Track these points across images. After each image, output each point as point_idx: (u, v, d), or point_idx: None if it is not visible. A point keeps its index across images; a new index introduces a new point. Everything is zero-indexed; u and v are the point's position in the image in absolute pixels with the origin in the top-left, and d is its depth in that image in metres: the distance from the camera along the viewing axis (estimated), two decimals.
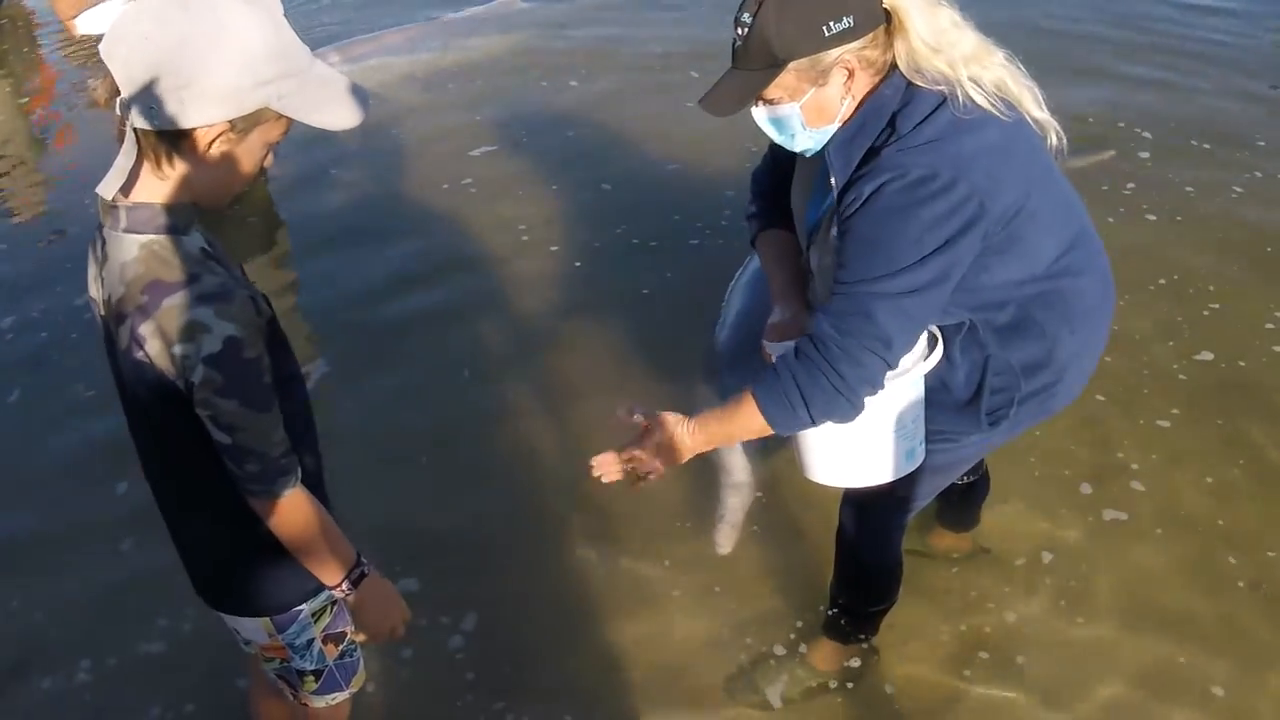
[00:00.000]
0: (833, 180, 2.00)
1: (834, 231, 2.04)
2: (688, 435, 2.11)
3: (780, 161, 2.39)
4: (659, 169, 5.25)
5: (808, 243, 2.24)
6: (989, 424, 2.22)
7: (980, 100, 1.93)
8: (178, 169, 1.57)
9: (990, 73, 1.98)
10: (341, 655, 2.08)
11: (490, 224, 4.94)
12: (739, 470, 3.35)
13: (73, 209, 5.32)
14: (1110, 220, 4.65)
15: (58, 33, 7.44)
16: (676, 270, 4.53)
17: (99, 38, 1.62)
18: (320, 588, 1.92)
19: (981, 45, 1.99)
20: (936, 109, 1.92)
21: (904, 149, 1.91)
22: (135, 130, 1.53)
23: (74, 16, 4.85)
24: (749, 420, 2.04)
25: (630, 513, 3.35)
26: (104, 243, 1.63)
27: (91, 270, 1.71)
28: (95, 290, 1.71)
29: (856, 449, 2.17)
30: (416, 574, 3.19)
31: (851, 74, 1.95)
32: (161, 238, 1.59)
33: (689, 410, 2.16)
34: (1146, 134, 5.43)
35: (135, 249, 1.58)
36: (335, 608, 2.02)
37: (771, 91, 1.97)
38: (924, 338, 2.11)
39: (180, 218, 1.61)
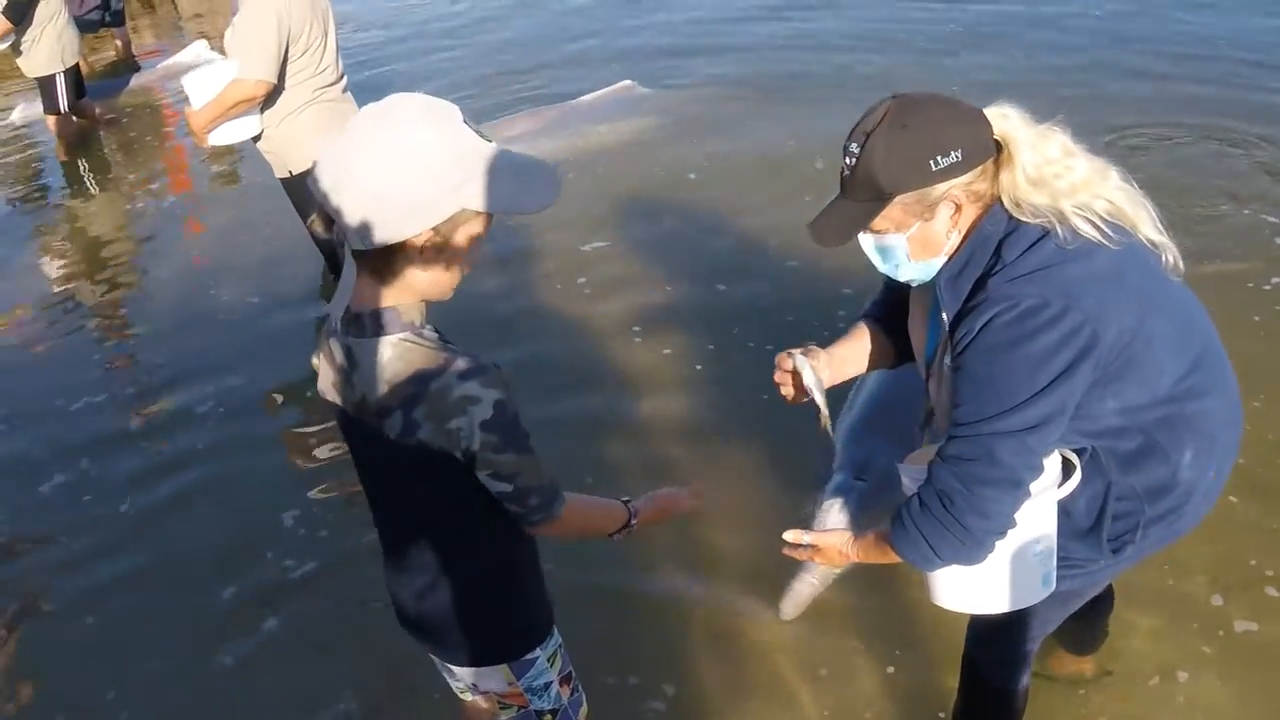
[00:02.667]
0: (944, 315, 1.98)
1: (947, 361, 2.02)
2: (847, 547, 2.20)
3: (890, 289, 2.38)
4: (777, 267, 5.22)
5: (926, 373, 2.20)
6: (1112, 550, 2.16)
7: (1087, 230, 1.89)
8: (399, 276, 1.77)
9: (1102, 198, 1.94)
10: (572, 692, 2.26)
11: (603, 325, 4.96)
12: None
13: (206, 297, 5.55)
14: (1257, 318, 4.49)
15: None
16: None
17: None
18: (551, 630, 2.15)
19: (1093, 170, 1.95)
20: (1041, 239, 1.89)
21: (1011, 278, 1.88)
22: (354, 251, 1.73)
23: (209, 130, 4.99)
24: (890, 556, 2.10)
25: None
26: (347, 351, 1.84)
27: (329, 378, 1.92)
28: (336, 394, 1.92)
29: (988, 577, 2.11)
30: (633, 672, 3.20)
31: (959, 208, 1.93)
32: (408, 334, 1.79)
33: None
34: None
35: (388, 349, 1.79)
36: (562, 649, 2.19)
37: (878, 223, 1.95)
38: (1056, 459, 2.05)
39: (416, 314, 1.82)
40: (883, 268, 2.06)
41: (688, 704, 3.08)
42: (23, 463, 4.59)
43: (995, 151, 1.91)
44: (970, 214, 1.95)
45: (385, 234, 1.70)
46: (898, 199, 1.90)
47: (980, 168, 1.90)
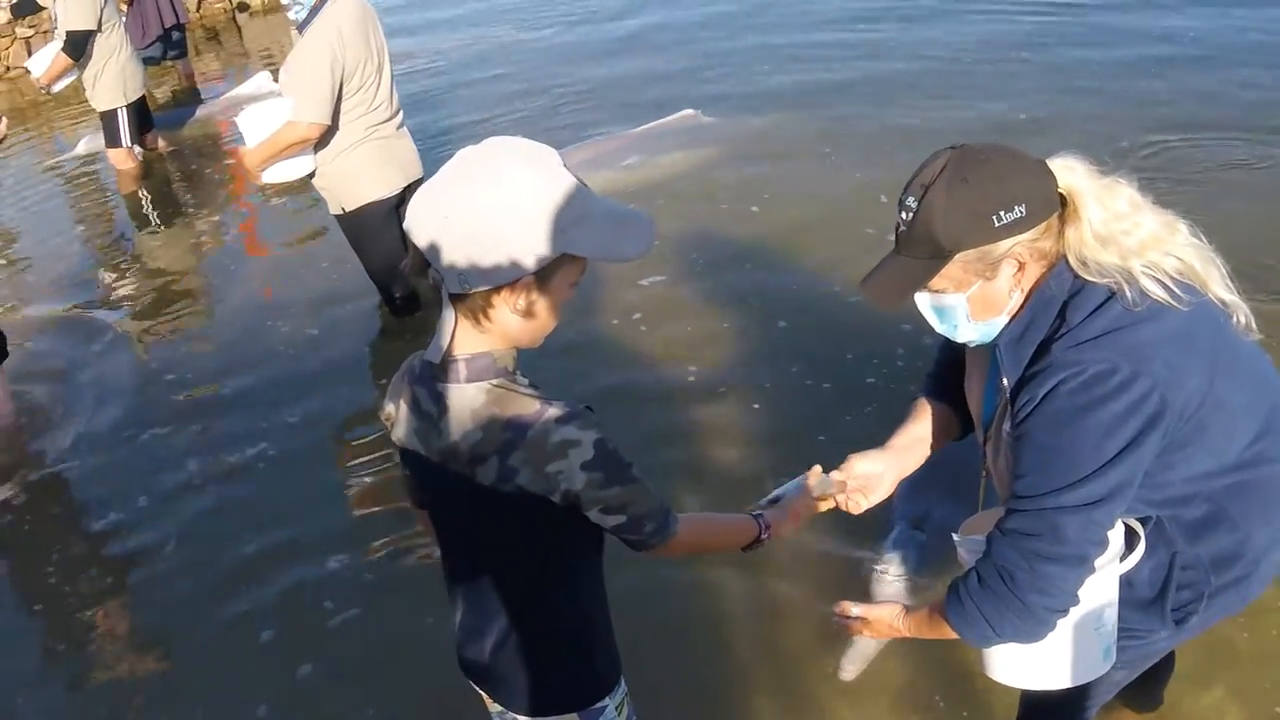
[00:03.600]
0: (1004, 380, 1.90)
1: (1006, 427, 1.93)
2: (897, 621, 2.15)
3: (948, 350, 2.31)
4: (837, 303, 5.12)
5: (984, 437, 2.11)
6: (1175, 621, 2.06)
7: (1156, 291, 1.81)
8: (495, 322, 1.75)
9: (1172, 255, 1.85)
10: None
11: (656, 360, 4.90)
12: (884, 592, 3.27)
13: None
14: None
15: None
16: (854, 413, 4.36)
17: None
18: (619, 679, 2.09)
19: (1162, 225, 1.88)
20: (1107, 300, 1.81)
21: (1077, 343, 1.80)
22: (451, 295, 1.73)
23: (262, 169, 5.05)
24: (946, 631, 2.02)
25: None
26: (437, 396, 1.82)
27: (410, 424, 1.90)
28: (419, 441, 1.90)
29: (1047, 652, 2.01)
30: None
31: (1022, 266, 1.85)
32: (502, 380, 1.79)
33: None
34: None
35: (482, 395, 1.78)
36: (628, 700, 2.14)
37: (935, 281, 1.87)
38: (1120, 528, 1.95)
39: (509, 361, 1.81)
40: (940, 328, 1.98)
41: None
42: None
43: (1060, 206, 1.84)
44: (1034, 272, 1.87)
45: (485, 279, 1.69)
46: (958, 257, 1.82)
47: (1044, 224, 1.82)
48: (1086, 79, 7.71)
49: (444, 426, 1.83)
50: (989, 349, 1.98)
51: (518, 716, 2.10)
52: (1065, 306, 1.83)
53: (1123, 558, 1.95)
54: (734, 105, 8.04)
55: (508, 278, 1.69)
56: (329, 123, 4.87)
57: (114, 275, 6.88)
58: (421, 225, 1.70)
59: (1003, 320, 1.91)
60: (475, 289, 1.70)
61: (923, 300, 1.94)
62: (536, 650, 2.02)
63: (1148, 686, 2.79)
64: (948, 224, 1.79)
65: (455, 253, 1.67)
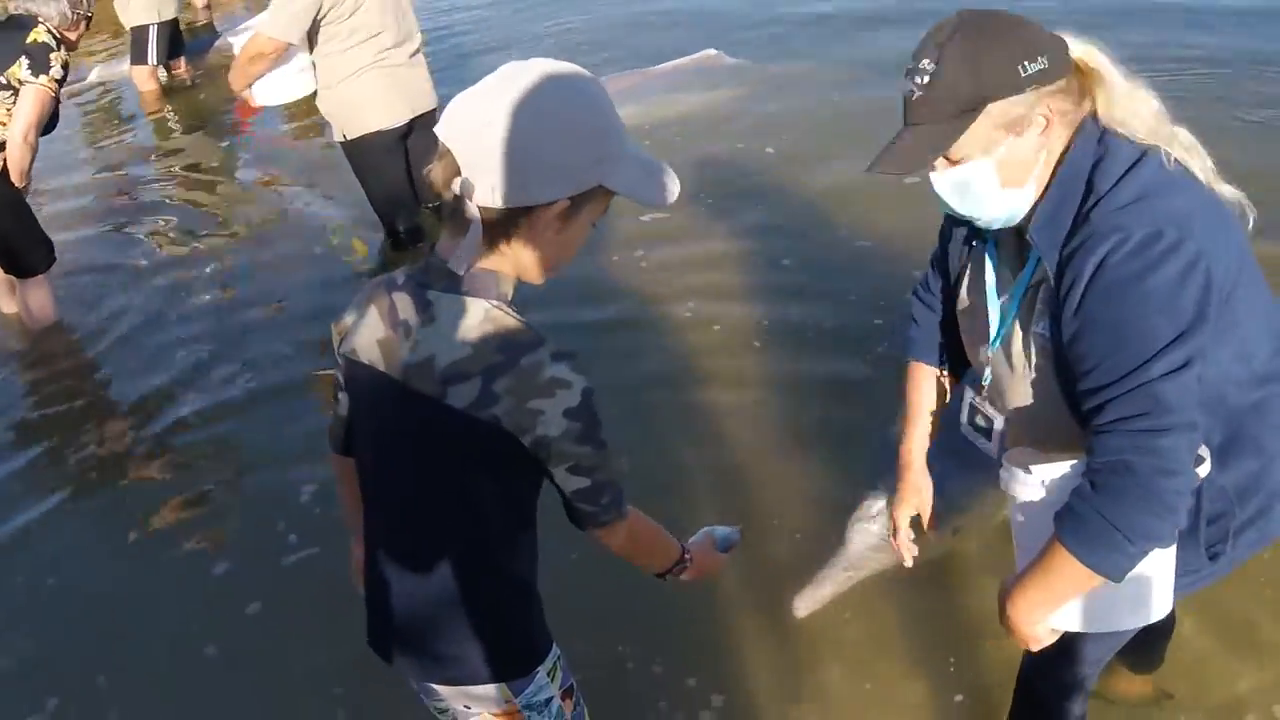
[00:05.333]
0: (1046, 266, 1.79)
1: (1040, 328, 1.85)
2: (1019, 607, 1.90)
3: (939, 266, 2.22)
4: (846, 246, 5.02)
5: (986, 356, 2.02)
6: (1209, 558, 1.95)
7: (1184, 157, 1.76)
8: (514, 245, 1.68)
9: (1179, 139, 1.80)
10: (575, 705, 2.10)
11: (653, 294, 4.81)
12: (854, 551, 3.12)
13: None
14: None
15: None
16: (854, 355, 4.27)
17: None
18: (550, 644, 1.97)
19: (1163, 112, 1.81)
20: (1137, 162, 1.73)
21: (1115, 208, 1.70)
22: (480, 209, 1.62)
23: (246, 88, 5.03)
24: (1072, 574, 1.78)
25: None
26: (424, 303, 1.71)
27: (376, 332, 1.78)
28: (379, 354, 1.77)
29: (1137, 579, 1.85)
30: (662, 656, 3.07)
31: (1049, 124, 1.76)
32: (503, 305, 1.70)
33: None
34: None
35: (479, 311, 1.68)
36: (561, 662, 2.03)
37: (960, 148, 1.76)
38: None
39: (509, 288, 1.73)
40: (962, 209, 1.86)
41: (735, 711, 2.92)
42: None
43: (1073, 68, 1.76)
44: (1059, 136, 1.78)
45: (522, 194, 1.62)
46: (989, 108, 1.71)
47: (1065, 80, 1.74)
48: None
49: (424, 336, 1.71)
50: (1009, 246, 1.92)
51: (438, 688, 1.99)
52: (1092, 174, 1.74)
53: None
54: (762, 46, 7.90)
55: (545, 197, 1.63)
56: (293, 40, 4.80)
57: (130, 199, 6.86)
58: (459, 130, 1.63)
59: (1029, 192, 1.81)
60: (508, 205, 1.63)
61: (942, 181, 1.83)
62: (469, 615, 1.90)
63: (1146, 645, 2.68)
64: (976, 74, 1.69)
65: (494, 164, 1.60)
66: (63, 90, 4.83)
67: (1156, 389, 1.66)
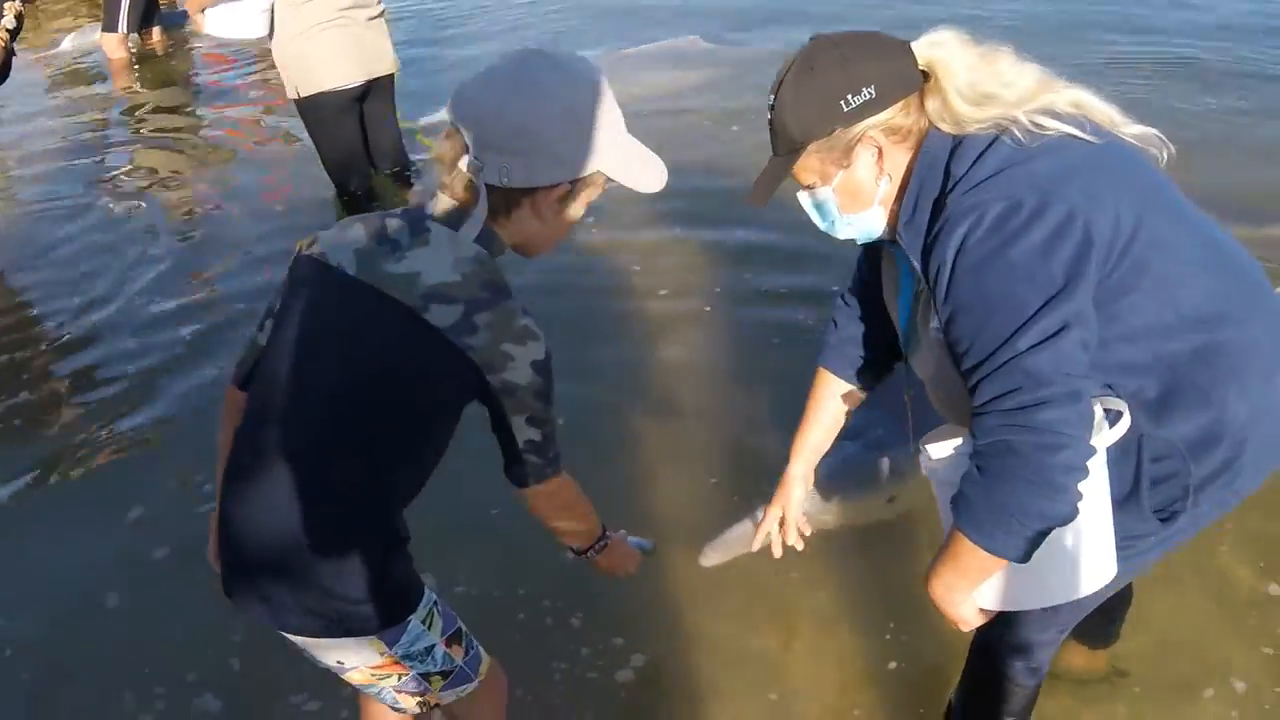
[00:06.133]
0: (913, 263, 1.76)
1: (934, 325, 1.79)
2: (938, 590, 1.82)
3: (866, 264, 2.17)
4: (795, 219, 4.76)
5: (907, 354, 2.01)
6: (1161, 520, 1.83)
7: (1051, 124, 1.70)
8: (514, 221, 1.81)
9: (1064, 97, 1.75)
10: (466, 650, 2.05)
11: (602, 260, 4.73)
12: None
13: None
14: None
15: None
16: (809, 309, 4.23)
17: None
18: (422, 591, 1.93)
19: (1046, 79, 1.77)
20: (993, 142, 1.69)
21: (969, 189, 1.66)
22: (486, 185, 1.74)
23: (201, 10, 4.97)
24: (975, 557, 1.71)
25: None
26: (419, 230, 1.78)
27: (355, 244, 1.81)
28: (350, 258, 1.80)
29: (1058, 556, 1.77)
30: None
31: (880, 151, 1.77)
32: (492, 260, 1.79)
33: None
34: None
35: (473, 251, 1.77)
36: (439, 607, 1.98)
37: (804, 176, 1.84)
38: (1096, 408, 1.72)
39: (501, 255, 1.83)
40: (822, 226, 1.92)
41: (660, 672, 2.80)
42: None
43: (921, 83, 1.75)
44: (898, 155, 1.78)
45: (526, 176, 1.74)
46: (811, 148, 1.77)
47: (901, 103, 1.74)
48: None
49: (414, 255, 1.77)
50: (894, 254, 1.90)
51: (307, 640, 1.90)
52: (949, 163, 1.71)
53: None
54: (743, 34, 7.92)
55: (549, 180, 1.75)
56: None
57: (100, 165, 6.73)
58: (470, 112, 1.73)
59: (877, 213, 1.83)
60: (514, 185, 1.74)
61: (803, 200, 1.89)
62: (339, 558, 1.82)
63: (1102, 620, 2.54)
64: (797, 115, 1.75)
65: (503, 147, 1.71)
66: (15, 44, 4.74)
67: (1026, 362, 1.59)
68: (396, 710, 2.15)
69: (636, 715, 2.70)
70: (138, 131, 7.21)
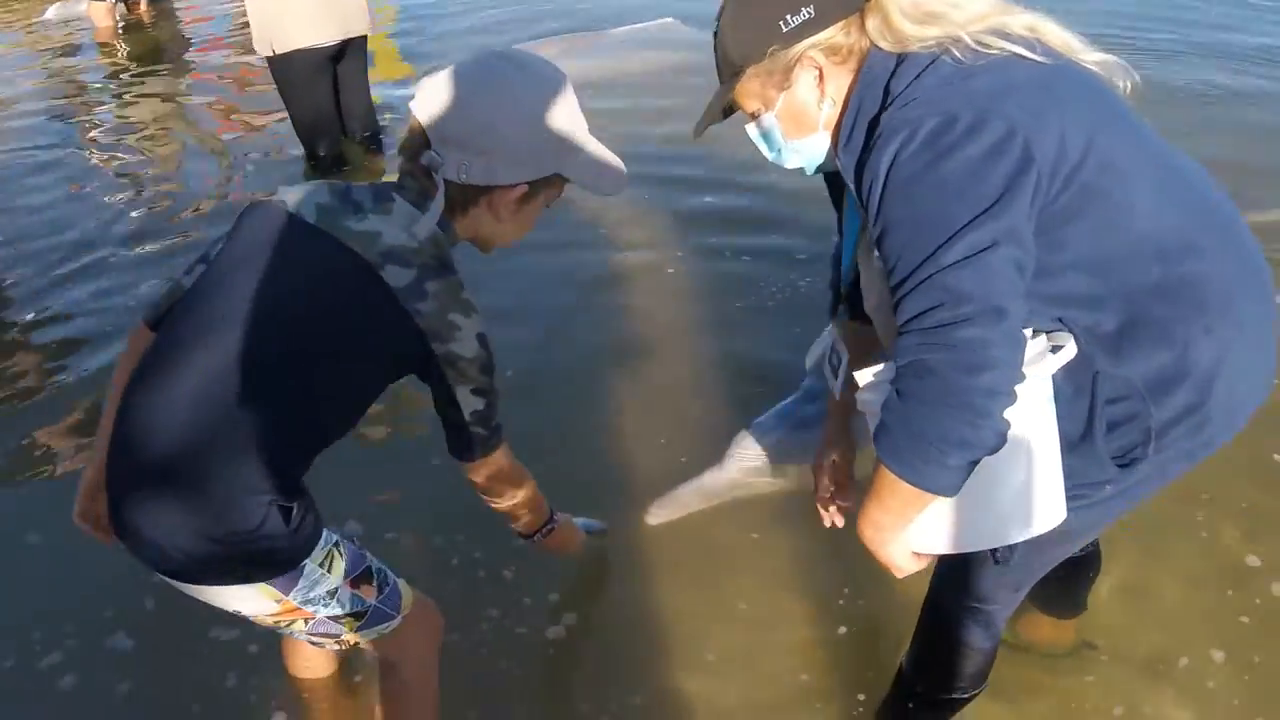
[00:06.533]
0: (849, 184, 1.67)
1: (876, 256, 1.64)
2: (865, 530, 1.71)
3: (837, 212, 2.10)
4: (770, 186, 4.82)
5: (846, 291, 2.00)
6: (1120, 466, 1.70)
7: (998, 43, 1.58)
8: (470, 217, 1.84)
9: (1019, 20, 1.64)
10: (380, 589, 1.96)
11: (566, 232, 4.56)
12: (726, 471, 2.98)
13: None
14: None
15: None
16: (777, 284, 4.14)
17: None
18: (319, 534, 1.84)
19: (1002, 2, 1.67)
20: (934, 61, 1.59)
21: (905, 105, 1.57)
22: (445, 181, 1.78)
23: None
24: (900, 492, 1.59)
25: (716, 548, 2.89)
26: (383, 198, 1.80)
27: (317, 198, 1.81)
28: (310, 210, 1.80)
29: (993, 494, 1.65)
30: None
31: (821, 72, 1.69)
32: (446, 240, 1.83)
33: None
34: None
35: (431, 226, 1.79)
36: (341, 547, 1.89)
37: (748, 103, 1.78)
38: (1041, 340, 1.63)
39: (455, 245, 1.87)
40: (770, 156, 1.85)
41: (593, 630, 2.68)
42: None
43: (863, 3, 1.65)
44: (840, 77, 1.69)
45: (486, 175, 1.77)
46: (749, 70, 1.71)
47: (841, 22, 1.66)
48: None
49: (376, 218, 1.78)
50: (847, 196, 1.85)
51: (194, 586, 1.80)
52: (888, 84, 1.61)
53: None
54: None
55: (508, 180, 1.78)
56: None
57: (81, 128, 6.64)
58: (432, 108, 1.75)
59: (822, 138, 1.76)
60: (472, 182, 1.77)
61: (750, 131, 1.83)
62: (240, 499, 1.71)
63: (1068, 589, 2.47)
64: (736, 39, 1.70)
65: (466, 143, 1.74)
66: None
67: (949, 278, 1.48)
68: (316, 647, 2.10)
69: (565, 672, 2.57)
70: (120, 95, 7.15)
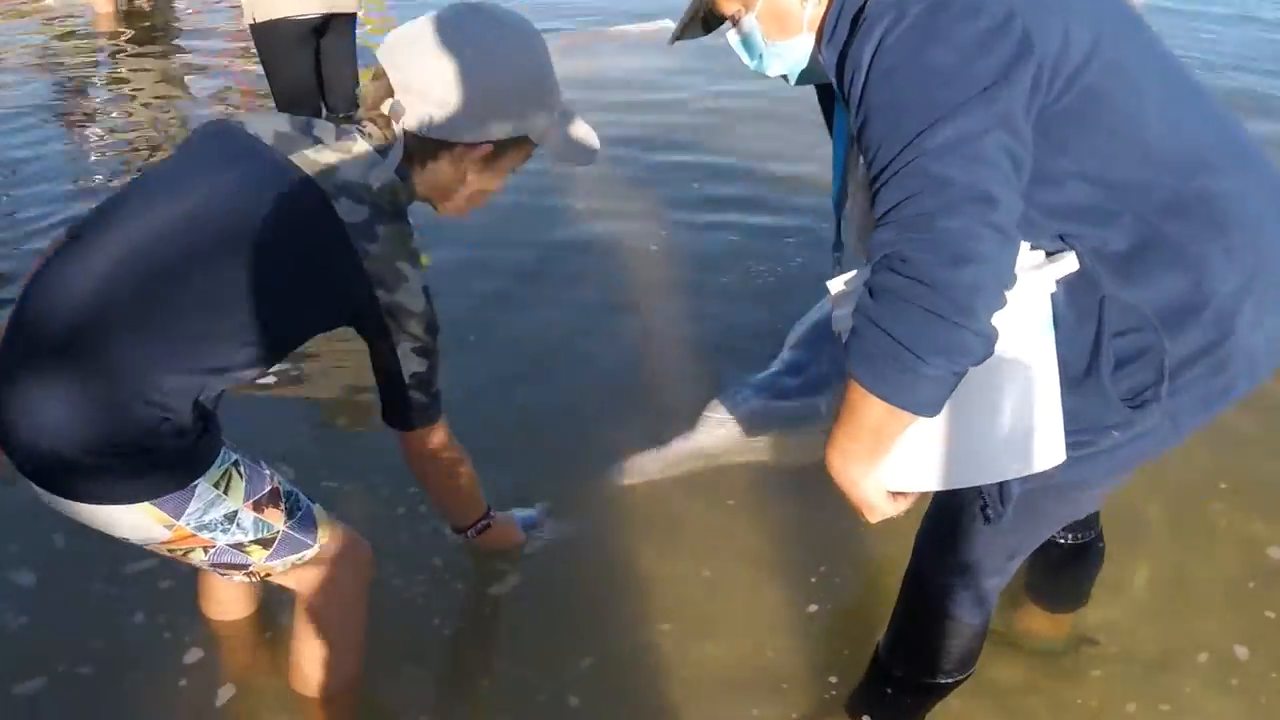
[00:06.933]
0: (833, 80, 1.51)
1: (862, 164, 1.47)
2: (833, 460, 1.49)
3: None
4: (763, 178, 4.76)
5: (838, 213, 1.79)
6: (1131, 406, 1.49)
7: None
8: (429, 173, 1.75)
9: None
10: (290, 514, 1.81)
11: (559, 233, 4.42)
12: (696, 440, 2.82)
13: None
14: None
15: None
16: (769, 262, 4.01)
17: None
18: (217, 452, 1.69)
19: None
20: None
21: None
22: (406, 132, 1.69)
23: None
24: (871, 411, 1.38)
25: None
26: (345, 136, 1.72)
27: (274, 126, 1.72)
28: (264, 127, 1.71)
29: (982, 419, 1.46)
30: None
31: None
32: (403, 189, 1.73)
33: None
34: None
35: (390, 173, 1.70)
36: (245, 469, 1.74)
37: (727, 5, 1.64)
38: (1038, 254, 1.45)
39: (410, 201, 1.78)
40: (751, 64, 1.70)
41: (539, 591, 2.45)
42: None
43: None
44: None
45: (449, 130, 1.68)
46: None
47: None
48: None
49: (335, 154, 1.69)
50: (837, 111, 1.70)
51: (72, 504, 1.64)
52: None
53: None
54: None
55: (474, 137, 1.70)
56: None
57: (77, 107, 6.55)
58: (399, 57, 1.68)
59: (805, 40, 1.60)
60: (435, 135, 1.68)
61: (731, 38, 1.68)
62: (138, 401, 1.57)
63: (1067, 577, 2.31)
64: None
65: (428, 96, 1.65)
66: None
67: (933, 164, 1.31)
68: (230, 584, 1.96)
69: (507, 631, 2.38)
70: (116, 71, 7.12)
